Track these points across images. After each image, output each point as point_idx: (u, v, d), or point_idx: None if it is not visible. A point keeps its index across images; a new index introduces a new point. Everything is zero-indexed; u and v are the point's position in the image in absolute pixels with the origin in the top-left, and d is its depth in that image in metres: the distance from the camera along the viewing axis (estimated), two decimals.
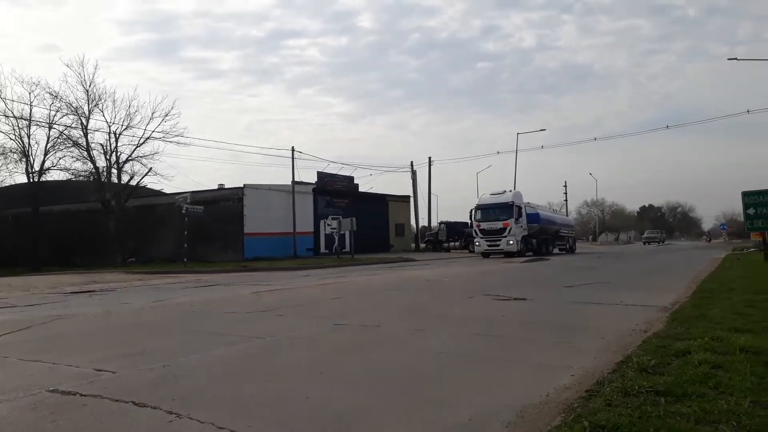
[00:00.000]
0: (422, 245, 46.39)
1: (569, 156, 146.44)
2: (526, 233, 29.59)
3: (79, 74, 31.65)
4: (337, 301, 9.87)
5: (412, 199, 46.67)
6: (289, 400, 3.45)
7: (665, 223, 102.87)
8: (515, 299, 8.82)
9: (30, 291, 14.18)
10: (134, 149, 31.84)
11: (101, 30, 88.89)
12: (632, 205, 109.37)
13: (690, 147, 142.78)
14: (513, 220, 28.59)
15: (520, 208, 29.40)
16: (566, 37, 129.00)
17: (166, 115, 31.86)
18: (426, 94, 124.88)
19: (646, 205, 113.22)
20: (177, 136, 32.05)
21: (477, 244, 30.23)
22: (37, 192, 32.64)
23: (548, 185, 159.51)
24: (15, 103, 31.24)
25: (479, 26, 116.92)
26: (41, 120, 31.48)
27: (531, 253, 30.39)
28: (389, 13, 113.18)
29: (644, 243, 64.78)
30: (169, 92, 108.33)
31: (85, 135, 31.65)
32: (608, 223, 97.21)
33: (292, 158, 34.79)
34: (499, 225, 28.93)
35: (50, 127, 31.71)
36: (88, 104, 31.50)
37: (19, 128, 32.11)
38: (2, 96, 31.05)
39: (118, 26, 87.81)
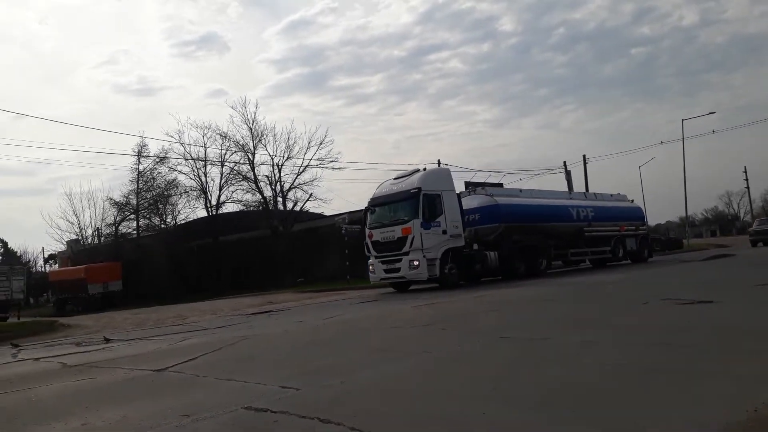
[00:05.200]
0: None
1: (748, 139, 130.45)
2: (459, 243, 16.99)
3: (243, 114, 35.03)
4: (496, 313, 9.68)
5: None
6: (465, 417, 3.43)
7: None
8: (699, 302, 8.01)
9: (217, 314, 15.70)
10: (295, 178, 34.39)
11: (259, 71, 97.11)
12: None
13: None
14: (418, 221, 16.08)
15: (436, 197, 16.75)
16: (734, 7, 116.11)
17: (321, 143, 34.06)
18: (575, 89, 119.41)
19: None
20: (332, 161, 34.10)
21: (371, 268, 17.52)
22: (215, 224, 36.29)
23: (725, 173, 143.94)
24: (192, 146, 35.19)
25: (631, 11, 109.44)
26: (215, 159, 35.20)
27: (498, 276, 18.99)
28: (531, 12, 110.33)
29: (753, 242, 31.65)
30: (321, 121, 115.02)
31: (252, 169, 34.81)
32: None
33: None
34: (395, 233, 16.67)
35: (222, 165, 35.36)
36: (253, 140, 34.68)
37: (197, 168, 36.25)
38: (182, 141, 35.22)
39: (273, 65, 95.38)
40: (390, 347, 6.65)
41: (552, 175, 45.76)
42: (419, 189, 16.48)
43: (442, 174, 18.73)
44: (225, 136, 35.16)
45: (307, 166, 34.56)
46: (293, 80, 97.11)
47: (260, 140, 35.21)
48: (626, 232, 24.09)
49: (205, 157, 35.93)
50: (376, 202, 18.08)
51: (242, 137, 35.27)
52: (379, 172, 65.57)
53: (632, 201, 26.83)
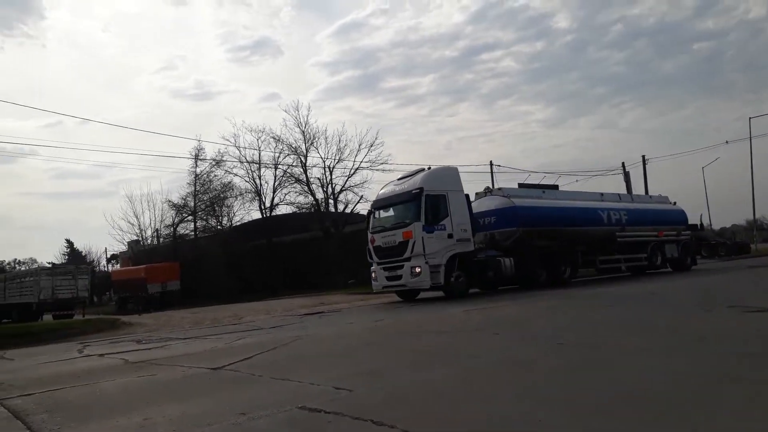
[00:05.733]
0: None
1: None
2: (468, 248, 15.72)
3: (296, 117, 35.54)
4: (550, 318, 9.49)
5: None
6: (521, 424, 3.37)
7: None
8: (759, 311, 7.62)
9: (270, 314, 15.99)
10: (346, 180, 34.69)
11: (311, 74, 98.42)
12: None
13: None
14: (420, 224, 14.94)
15: (440, 198, 15.52)
16: None
17: (371, 146, 34.23)
18: (634, 88, 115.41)
19: None
20: (382, 163, 34.21)
21: (373, 275, 16.54)
22: (269, 225, 37.00)
23: None
24: (246, 149, 36.02)
25: (692, 5, 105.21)
26: (268, 162, 35.87)
27: (513, 284, 17.84)
28: (586, 9, 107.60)
29: None
30: (372, 123, 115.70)
31: (305, 171, 35.32)
32: None
33: (491, 172, 34.80)
34: (396, 237, 15.49)
35: (276, 167, 36.03)
36: (305, 143, 35.18)
37: (251, 171, 37.05)
38: (237, 144, 36.11)
39: (325, 68, 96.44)
40: (442, 351, 6.63)
41: (610, 177, 44.30)
42: (421, 189, 15.28)
43: (448, 173, 17.14)
44: (278, 140, 35.85)
45: (357, 169, 34.87)
46: (345, 83, 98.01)
47: (312, 143, 35.74)
48: (666, 238, 22.05)
49: (260, 160, 36.73)
50: (377, 205, 17.21)
51: (295, 140, 35.88)
52: None
53: (674, 203, 24.96)
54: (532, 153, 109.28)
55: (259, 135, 36.30)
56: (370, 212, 17.49)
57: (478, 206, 17.99)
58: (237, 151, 37.04)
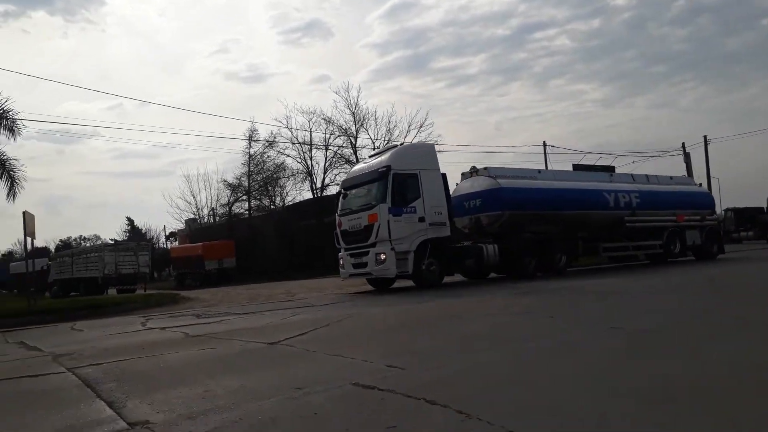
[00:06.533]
0: None
1: None
2: (442, 233, 14.40)
3: (346, 99, 35.82)
4: (604, 302, 9.29)
5: None
6: (573, 407, 3.34)
7: None
8: None
9: (322, 291, 16.28)
10: None
11: (361, 55, 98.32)
12: None
13: None
14: (386, 206, 13.67)
15: (411, 178, 14.20)
16: None
17: (421, 126, 34.19)
18: (696, 65, 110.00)
19: None
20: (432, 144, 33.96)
21: (341, 262, 15.33)
22: (320, 205, 37.51)
23: None
24: (298, 131, 36.47)
25: None
26: (319, 143, 36.32)
27: (500, 273, 16.85)
28: None
29: None
30: (422, 104, 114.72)
31: (355, 152, 35.59)
32: None
33: (545, 153, 34.27)
34: (362, 221, 14.25)
35: (326, 148, 36.45)
36: (355, 125, 35.42)
37: (303, 152, 37.57)
38: (289, 126, 36.60)
39: (375, 49, 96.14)
40: (489, 334, 6.64)
41: (669, 158, 42.83)
42: (388, 168, 13.90)
43: (422, 150, 15.94)
44: (329, 121, 36.22)
45: None
46: (395, 63, 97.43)
47: (362, 124, 35.97)
48: (686, 223, 19.94)
49: (311, 141, 37.22)
50: (346, 184, 15.91)
51: (345, 121, 36.16)
52: (480, 155, 64.78)
53: (700, 185, 22.99)
54: (586, 134, 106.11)
55: (310, 116, 36.81)
56: (338, 192, 16.27)
57: (463, 188, 17.23)
58: (289, 133, 37.71)
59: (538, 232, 16.57)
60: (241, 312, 11.75)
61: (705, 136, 42.33)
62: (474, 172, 17.31)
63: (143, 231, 72.56)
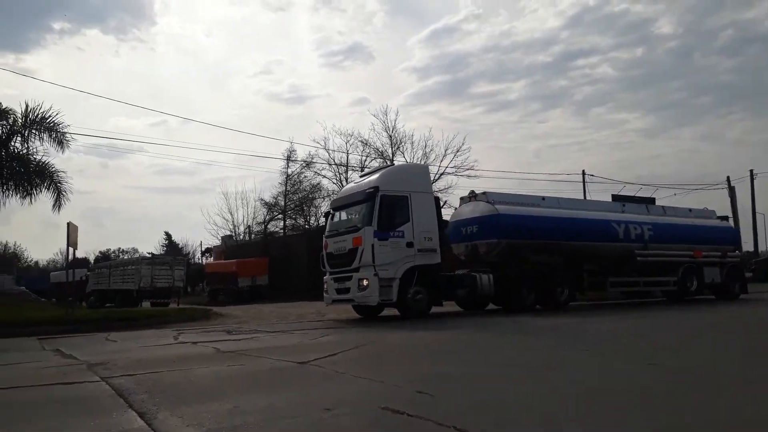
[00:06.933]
0: (748, 274, 39.76)
1: None
2: (432, 260, 13.46)
3: (383, 122, 36.02)
4: (668, 335, 9.03)
5: (731, 220, 40.61)
6: None
7: None
8: None
9: (351, 313, 16.22)
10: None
11: (401, 79, 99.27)
12: None
13: None
14: (371, 229, 12.88)
15: (400, 200, 13.39)
16: None
17: (458, 151, 34.11)
18: (744, 97, 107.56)
19: None
20: (468, 169, 33.99)
21: (325, 287, 14.63)
22: None
23: None
24: (335, 152, 36.88)
25: None
26: (355, 165, 36.52)
27: (497, 305, 15.78)
28: (693, 14, 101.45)
29: None
30: (459, 129, 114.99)
31: None
32: None
33: (583, 182, 33.67)
34: (347, 243, 13.48)
35: (362, 170, 36.53)
36: (392, 147, 35.61)
37: (339, 173, 37.87)
38: (326, 147, 37.04)
39: (415, 73, 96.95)
40: (526, 363, 6.48)
41: (714, 192, 41.59)
42: (376, 188, 13.11)
43: (414, 171, 15.18)
44: (366, 143, 36.50)
45: (442, 174, 34.79)
46: (433, 88, 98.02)
47: (398, 147, 36.10)
48: (705, 259, 18.57)
49: (347, 163, 37.51)
50: (334, 204, 15.23)
51: (382, 144, 36.38)
52: (516, 182, 64.31)
53: (724, 219, 21.29)
54: (628, 164, 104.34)
55: (348, 138, 37.14)
56: (327, 213, 15.52)
57: (460, 213, 16.55)
58: (326, 154, 38.05)
59: (538, 263, 15.70)
60: (271, 330, 11.80)
61: (751, 170, 41.14)
62: (473, 196, 16.56)
63: (180, 246, 73.94)
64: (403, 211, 13.30)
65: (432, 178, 34.36)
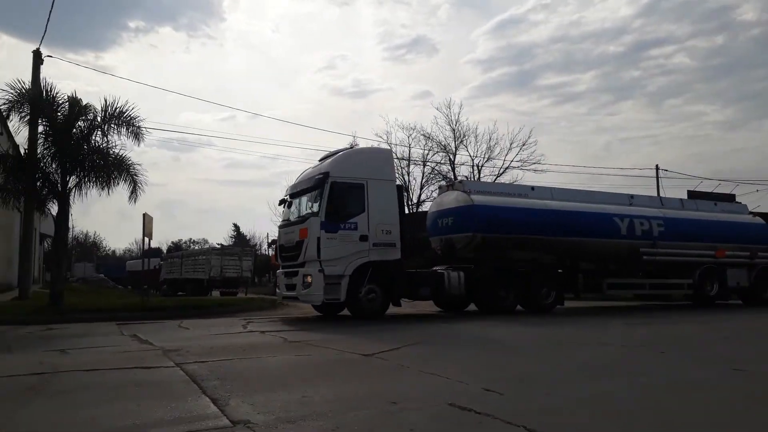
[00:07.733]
0: None
1: None
2: (391, 256, 12.09)
3: (447, 115, 35.64)
4: (727, 339, 8.59)
5: None
6: None
7: None
8: None
9: (415, 307, 16.21)
10: (495, 179, 34.00)
11: (465, 71, 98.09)
12: None
13: None
14: (317, 220, 11.68)
15: (354, 189, 12.05)
16: None
17: (524, 144, 33.40)
18: None
19: None
20: (534, 163, 33.25)
21: (277, 281, 13.73)
22: (415, 220, 37.63)
23: None
24: (397, 146, 36.88)
25: None
26: (417, 159, 36.39)
27: (473, 306, 14.19)
28: None
29: None
30: (525, 122, 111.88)
31: (453, 169, 35.26)
32: None
33: (657, 177, 32.33)
34: (295, 235, 12.30)
35: (424, 164, 36.41)
36: (455, 141, 35.20)
37: (401, 167, 37.82)
38: (389, 141, 37.07)
39: (479, 65, 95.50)
40: (600, 365, 6.30)
41: None
42: (326, 175, 11.87)
43: (374, 156, 13.57)
44: (428, 137, 36.21)
45: (507, 168, 34.15)
46: (498, 80, 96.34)
47: (462, 141, 35.61)
48: (729, 260, 16.40)
49: (409, 157, 37.35)
50: (288, 192, 13.67)
51: (444, 138, 36.00)
52: (585, 176, 62.28)
53: (754, 214, 18.54)
54: (705, 158, 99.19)
55: (410, 132, 36.97)
56: (282, 201, 14.06)
57: (438, 203, 15.09)
58: (388, 148, 38.15)
59: (521, 260, 14.21)
60: (335, 321, 11.94)
61: None
62: (450, 185, 15.24)
63: (248, 237, 76.05)
64: (358, 200, 12.02)
65: (497, 172, 34.27)
